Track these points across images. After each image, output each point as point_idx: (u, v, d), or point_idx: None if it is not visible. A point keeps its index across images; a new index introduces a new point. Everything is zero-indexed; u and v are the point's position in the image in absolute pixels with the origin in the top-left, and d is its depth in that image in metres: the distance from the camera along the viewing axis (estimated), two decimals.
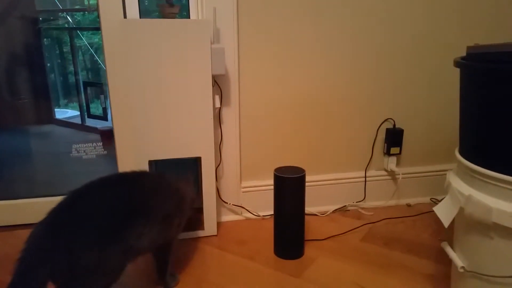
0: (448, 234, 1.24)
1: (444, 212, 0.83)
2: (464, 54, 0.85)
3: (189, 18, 1.27)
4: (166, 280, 0.98)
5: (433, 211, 0.86)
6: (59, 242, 0.71)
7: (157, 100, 1.12)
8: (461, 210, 0.78)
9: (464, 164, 0.80)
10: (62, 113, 1.75)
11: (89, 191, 0.81)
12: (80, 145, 1.46)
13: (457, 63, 0.83)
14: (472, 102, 0.80)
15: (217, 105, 1.24)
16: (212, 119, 1.16)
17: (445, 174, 0.90)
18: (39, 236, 0.73)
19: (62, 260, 0.71)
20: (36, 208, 1.35)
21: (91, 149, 1.47)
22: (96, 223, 0.75)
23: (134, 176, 0.90)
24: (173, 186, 0.94)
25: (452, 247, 0.87)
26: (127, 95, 1.11)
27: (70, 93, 1.77)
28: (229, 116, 1.30)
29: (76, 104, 1.74)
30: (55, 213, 0.77)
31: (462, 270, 0.80)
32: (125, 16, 1.23)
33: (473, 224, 0.77)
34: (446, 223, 0.81)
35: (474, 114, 0.79)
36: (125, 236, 0.77)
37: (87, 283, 0.74)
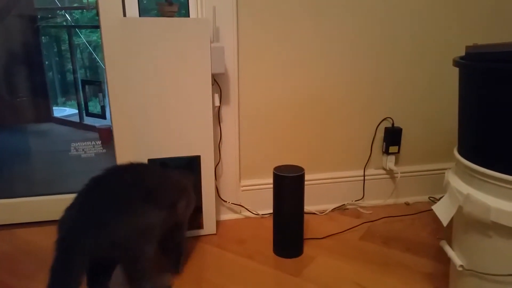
0: (446, 232, 1.24)
1: (443, 211, 0.83)
2: (463, 53, 0.86)
3: (189, 16, 1.27)
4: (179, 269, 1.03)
5: (432, 209, 0.87)
6: (94, 221, 0.77)
7: (157, 98, 1.12)
8: (460, 209, 0.78)
9: (463, 163, 0.80)
10: (61, 111, 1.74)
11: (110, 176, 0.88)
12: (78, 143, 1.46)
13: (456, 63, 0.84)
14: (471, 102, 0.80)
15: (217, 104, 1.24)
16: (212, 118, 1.16)
17: (444, 173, 0.90)
18: (73, 220, 0.77)
19: (102, 235, 0.76)
20: (35, 207, 1.35)
21: (90, 147, 1.46)
22: (121, 199, 0.82)
23: (145, 165, 1.03)
24: (176, 175, 1.05)
25: (450, 246, 0.88)
26: (126, 94, 1.11)
27: (68, 91, 1.77)
28: (229, 115, 1.30)
29: (74, 102, 1.73)
30: (82, 197, 0.82)
31: (460, 269, 0.80)
32: (124, 15, 1.23)
33: (471, 223, 0.77)
34: (445, 222, 0.82)
35: (473, 113, 0.80)
36: (146, 209, 0.85)
37: (141, 249, 0.83)
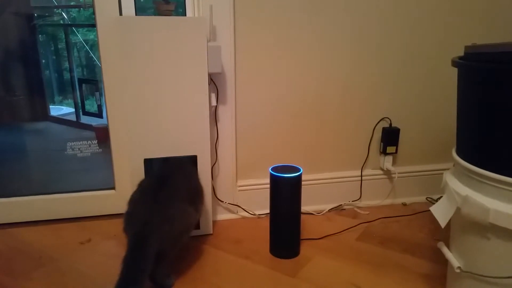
0: (443, 233, 1.24)
1: (441, 212, 0.83)
2: (461, 53, 0.85)
3: (185, 15, 1.26)
4: (162, 279, 0.98)
5: (429, 210, 0.86)
6: (162, 217, 0.89)
7: (153, 98, 1.11)
8: (458, 210, 0.78)
9: (461, 164, 0.80)
10: (57, 110, 1.73)
11: (167, 173, 1.03)
12: (74, 143, 1.45)
13: (455, 63, 0.83)
14: (469, 102, 0.80)
15: (213, 103, 1.23)
16: (208, 118, 1.15)
17: (441, 174, 0.90)
18: (144, 216, 0.88)
19: (168, 230, 0.89)
20: (30, 206, 1.34)
21: (86, 147, 1.45)
22: (181, 197, 0.97)
23: (188, 163, 1.15)
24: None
25: (448, 247, 0.87)
26: (122, 93, 1.10)
27: (65, 90, 1.76)
28: (225, 114, 1.29)
29: (71, 101, 1.72)
30: (148, 194, 0.95)
31: (458, 271, 0.80)
32: (120, 13, 1.22)
33: (469, 225, 0.77)
34: (442, 224, 0.81)
35: (471, 114, 0.79)
36: (195, 201, 1.03)
37: (185, 239, 0.97)
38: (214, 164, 1.32)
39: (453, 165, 0.86)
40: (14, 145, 1.52)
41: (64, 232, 1.28)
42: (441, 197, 1.49)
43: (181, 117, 1.14)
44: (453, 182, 0.82)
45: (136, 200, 0.94)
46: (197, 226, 1.24)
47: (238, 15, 1.22)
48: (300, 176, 1.10)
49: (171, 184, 0.98)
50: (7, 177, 1.46)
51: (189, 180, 1.05)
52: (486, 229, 0.73)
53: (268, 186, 1.13)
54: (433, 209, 0.85)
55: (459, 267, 0.80)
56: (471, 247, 0.78)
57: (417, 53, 1.38)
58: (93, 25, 1.23)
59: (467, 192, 0.76)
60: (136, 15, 1.24)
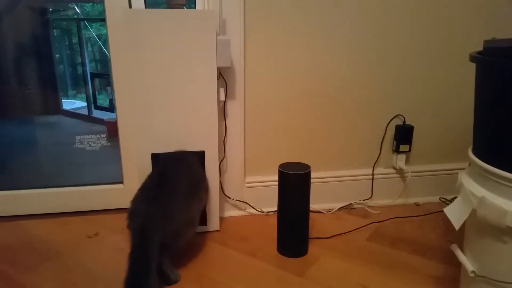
0: (456, 235, 1.20)
1: (455, 214, 0.79)
2: (480, 48, 0.81)
3: (195, 8, 1.24)
4: (167, 274, 0.98)
5: (442, 211, 0.83)
6: (164, 213, 0.91)
7: (161, 92, 1.10)
8: (473, 212, 0.75)
9: (477, 164, 0.76)
10: (70, 103, 1.74)
11: (169, 170, 1.03)
12: (83, 136, 1.45)
13: (473, 58, 0.79)
14: (488, 99, 0.76)
15: (222, 98, 1.22)
16: (217, 113, 1.14)
17: (456, 173, 0.86)
18: (146, 213, 0.91)
19: (170, 225, 0.92)
20: (39, 199, 1.35)
21: (95, 140, 1.45)
22: (180, 193, 0.98)
23: (192, 157, 1.14)
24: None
25: (462, 250, 0.84)
26: (131, 87, 1.09)
27: (77, 84, 1.77)
28: (234, 109, 1.27)
29: (83, 95, 1.73)
30: (150, 191, 0.97)
31: (472, 275, 0.77)
32: (130, 6, 1.21)
33: (485, 227, 0.74)
34: (457, 226, 0.78)
35: (489, 111, 0.76)
36: (198, 195, 1.05)
37: (188, 233, 1.00)
38: (222, 160, 1.30)
39: (469, 165, 0.83)
40: (25, 138, 1.53)
41: (71, 226, 1.28)
42: (455, 197, 1.45)
43: (189, 112, 1.12)
44: (468, 183, 0.78)
45: (138, 198, 0.97)
46: (204, 222, 1.23)
47: (248, 8, 1.20)
48: (309, 173, 1.07)
49: (171, 179, 0.99)
50: (17, 169, 1.47)
51: (188, 172, 1.05)
52: (503, 232, 0.70)
53: (276, 183, 1.11)
54: (447, 210, 0.82)
55: (473, 271, 0.77)
56: (487, 251, 0.75)
57: (434, 48, 1.33)
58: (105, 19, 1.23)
59: (483, 193, 0.73)
60: (145, 8, 1.23)
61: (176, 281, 0.98)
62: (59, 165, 1.50)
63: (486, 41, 0.80)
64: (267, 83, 1.28)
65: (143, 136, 1.12)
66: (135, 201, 0.97)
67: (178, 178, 1.01)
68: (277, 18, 1.22)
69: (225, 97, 1.25)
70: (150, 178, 1.02)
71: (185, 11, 1.06)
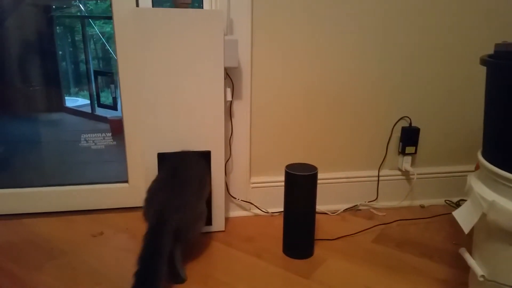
0: (462, 237, 1.20)
1: (465, 218, 0.79)
2: (489, 51, 0.81)
3: (202, 8, 1.24)
4: (178, 268, 0.99)
5: (448, 213, 0.83)
6: (177, 206, 0.96)
7: (168, 91, 1.09)
8: (483, 216, 0.74)
9: (487, 168, 0.76)
10: (73, 101, 1.74)
11: (181, 166, 1.07)
12: (89, 135, 1.45)
13: (484, 61, 0.79)
14: (498, 102, 0.76)
15: (229, 98, 1.21)
16: (223, 113, 1.13)
17: (462, 176, 0.86)
18: (162, 205, 0.95)
19: (183, 218, 0.95)
20: (44, 197, 1.35)
21: (100, 139, 1.45)
22: (192, 186, 1.03)
23: (198, 157, 1.15)
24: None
25: (470, 254, 0.83)
26: (137, 85, 1.09)
27: (80, 81, 1.76)
28: (240, 110, 1.26)
29: (86, 93, 1.73)
30: (165, 184, 1.01)
31: (482, 279, 0.76)
32: (137, 5, 1.21)
33: (496, 232, 0.73)
34: (466, 229, 0.77)
35: (500, 114, 0.75)
36: (204, 194, 1.08)
37: (198, 226, 1.05)
38: (228, 160, 1.30)
39: (475, 168, 0.83)
40: (29, 136, 1.53)
41: (76, 225, 1.28)
42: (461, 200, 1.45)
43: (196, 111, 1.12)
44: (478, 186, 0.78)
45: (154, 188, 1.02)
46: (209, 223, 1.23)
47: (255, 8, 1.19)
48: (316, 174, 1.07)
49: (183, 174, 1.05)
50: (22, 167, 1.47)
51: (197, 168, 1.10)
52: None
53: (282, 184, 1.11)
54: (456, 214, 0.82)
55: (482, 275, 0.76)
56: (497, 255, 0.74)
57: (440, 51, 1.33)
58: (110, 18, 1.22)
59: (493, 197, 0.72)
60: (152, 7, 1.22)
61: (184, 280, 0.98)
62: (63, 163, 1.50)
63: (497, 45, 0.79)
64: (274, 83, 1.28)
65: (149, 135, 1.12)
66: (150, 191, 1.01)
67: (189, 173, 1.05)
68: (284, 18, 1.22)
69: (232, 97, 1.24)
70: (163, 171, 1.06)
71: (193, 11, 1.06)
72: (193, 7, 1.13)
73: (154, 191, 1.01)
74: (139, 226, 1.26)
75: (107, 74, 1.70)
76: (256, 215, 1.36)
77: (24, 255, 1.10)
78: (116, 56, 1.24)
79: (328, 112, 1.33)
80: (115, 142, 1.45)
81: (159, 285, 0.83)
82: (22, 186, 1.35)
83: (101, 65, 1.83)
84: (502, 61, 0.75)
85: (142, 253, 0.85)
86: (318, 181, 1.10)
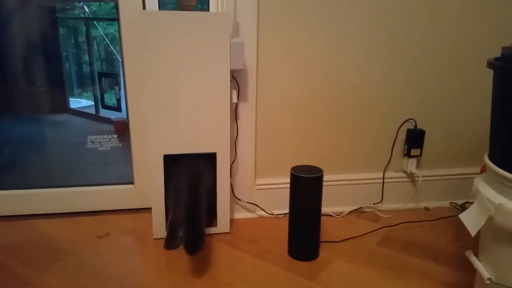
0: (467, 240, 1.20)
1: (471, 221, 0.79)
2: (496, 54, 0.81)
3: (209, 10, 1.24)
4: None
5: (453, 216, 0.83)
6: (204, 170, 1.15)
7: (174, 93, 1.10)
8: (490, 219, 0.74)
9: (494, 171, 0.76)
10: (77, 102, 1.74)
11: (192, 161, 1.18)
12: (95, 136, 1.45)
13: (491, 64, 0.79)
14: (506, 105, 0.76)
15: (234, 100, 1.21)
16: (229, 115, 1.14)
17: (467, 178, 0.86)
18: (191, 173, 1.12)
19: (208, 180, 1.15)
20: (49, 198, 1.35)
21: (106, 141, 1.46)
22: (204, 169, 1.17)
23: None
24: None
25: (476, 256, 0.83)
26: (143, 87, 1.09)
27: (85, 83, 1.77)
28: (246, 112, 1.27)
29: (90, 94, 1.73)
30: (185, 165, 1.14)
31: (488, 282, 0.76)
32: (144, 7, 1.21)
33: (503, 234, 0.73)
34: (473, 232, 0.77)
35: (507, 117, 0.75)
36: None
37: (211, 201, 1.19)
38: (233, 162, 1.30)
39: (480, 170, 0.83)
40: (34, 137, 1.53)
41: (82, 226, 1.28)
42: (466, 202, 1.44)
43: (201, 113, 1.12)
44: (485, 189, 0.78)
45: (182, 163, 1.15)
46: (214, 224, 1.23)
47: (262, 11, 1.20)
48: (321, 177, 1.07)
49: (199, 165, 1.17)
50: (27, 168, 1.47)
51: (206, 166, 1.20)
52: None
53: (287, 185, 1.11)
54: (463, 216, 0.82)
55: (489, 279, 0.76)
56: (504, 258, 0.74)
57: (445, 54, 1.33)
58: (114, 19, 1.23)
59: (500, 200, 0.72)
60: (159, 9, 1.23)
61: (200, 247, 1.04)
62: (68, 164, 1.51)
63: (504, 48, 0.79)
64: (279, 86, 1.28)
65: (155, 137, 1.12)
66: (180, 165, 1.14)
67: (203, 165, 1.17)
68: (290, 21, 1.22)
69: (237, 99, 1.24)
70: (181, 163, 1.16)
71: (200, 13, 1.06)
72: (198, 9, 1.14)
73: (183, 164, 1.14)
74: (145, 227, 1.26)
75: (111, 75, 1.70)
76: (261, 217, 1.36)
77: (30, 256, 1.11)
78: (121, 58, 1.25)
79: (334, 114, 1.34)
80: (120, 144, 1.46)
81: (204, 226, 1.02)
82: (28, 187, 1.36)
83: (104, 66, 1.83)
84: (510, 64, 0.75)
85: (189, 203, 1.03)
86: (323, 183, 1.11)
